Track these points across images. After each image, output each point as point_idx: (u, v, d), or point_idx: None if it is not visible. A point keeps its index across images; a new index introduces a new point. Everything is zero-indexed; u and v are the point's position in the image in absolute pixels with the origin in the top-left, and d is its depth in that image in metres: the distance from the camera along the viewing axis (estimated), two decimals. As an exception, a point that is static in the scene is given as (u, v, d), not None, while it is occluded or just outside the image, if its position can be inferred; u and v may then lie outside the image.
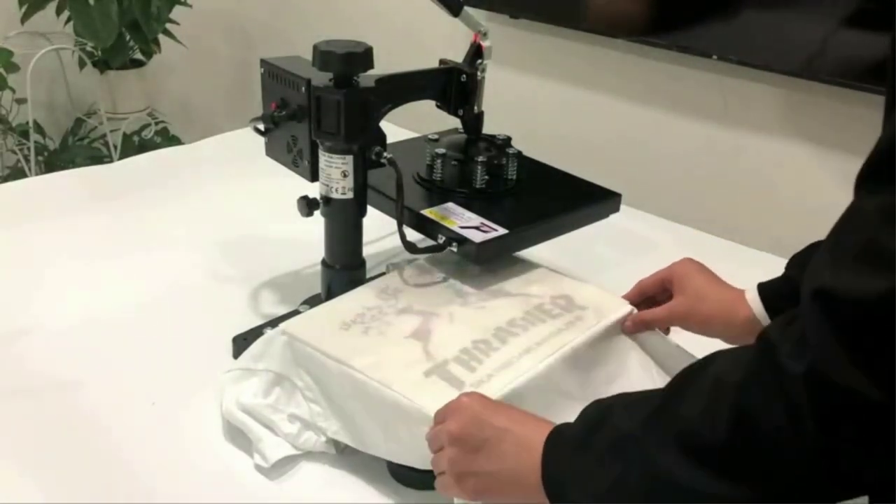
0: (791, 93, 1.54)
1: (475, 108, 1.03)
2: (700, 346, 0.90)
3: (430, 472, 0.72)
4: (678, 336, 0.90)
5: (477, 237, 0.90)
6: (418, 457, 0.74)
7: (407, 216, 0.94)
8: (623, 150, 1.77)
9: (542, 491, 0.63)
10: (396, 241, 0.93)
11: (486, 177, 1.00)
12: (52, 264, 1.14)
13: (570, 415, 0.65)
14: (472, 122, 1.04)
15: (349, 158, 0.91)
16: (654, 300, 0.90)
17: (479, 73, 1.00)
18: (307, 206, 0.94)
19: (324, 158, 0.92)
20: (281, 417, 0.81)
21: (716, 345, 1.00)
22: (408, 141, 1.16)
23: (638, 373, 0.86)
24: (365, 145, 0.91)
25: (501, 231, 0.92)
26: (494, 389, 0.74)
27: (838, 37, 1.42)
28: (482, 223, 0.93)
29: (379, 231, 1.04)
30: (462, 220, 0.93)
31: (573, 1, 1.77)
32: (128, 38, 2.25)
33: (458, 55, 0.99)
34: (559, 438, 0.64)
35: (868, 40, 1.37)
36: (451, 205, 0.97)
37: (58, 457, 0.81)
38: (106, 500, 0.76)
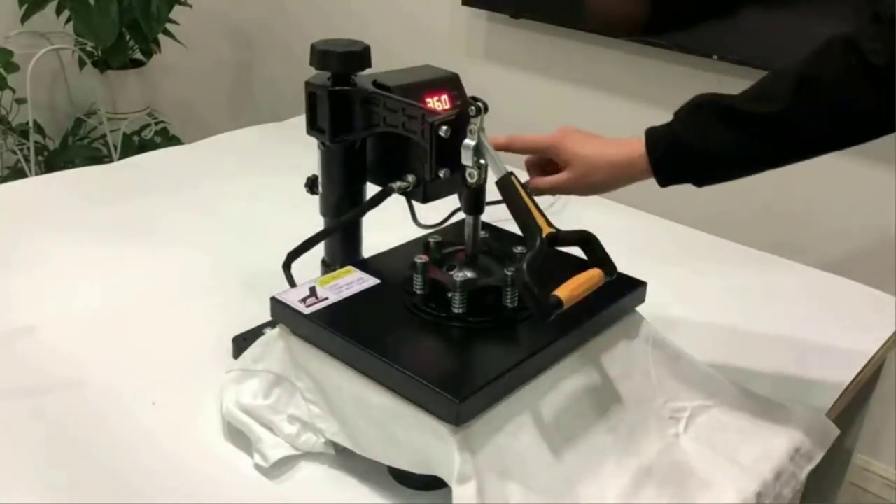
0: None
1: (468, 176, 0.78)
2: (703, 346, 0.90)
3: (428, 474, 0.72)
4: (680, 337, 0.90)
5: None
6: (414, 461, 0.74)
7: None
8: (623, 150, 1.77)
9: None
10: (396, 241, 0.93)
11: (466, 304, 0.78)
12: (52, 265, 1.14)
13: (577, 415, 0.64)
14: (468, 197, 0.80)
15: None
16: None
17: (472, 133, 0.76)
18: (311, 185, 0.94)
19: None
20: (281, 418, 0.81)
21: (715, 346, 1.00)
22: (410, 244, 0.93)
23: (639, 378, 0.86)
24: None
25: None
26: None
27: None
28: None
29: (379, 230, 1.04)
30: None
31: (573, 1, 1.77)
32: (128, 38, 2.24)
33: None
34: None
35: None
36: None
37: (57, 456, 0.81)
38: (105, 500, 0.76)
